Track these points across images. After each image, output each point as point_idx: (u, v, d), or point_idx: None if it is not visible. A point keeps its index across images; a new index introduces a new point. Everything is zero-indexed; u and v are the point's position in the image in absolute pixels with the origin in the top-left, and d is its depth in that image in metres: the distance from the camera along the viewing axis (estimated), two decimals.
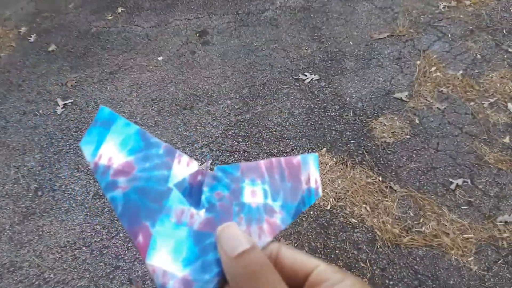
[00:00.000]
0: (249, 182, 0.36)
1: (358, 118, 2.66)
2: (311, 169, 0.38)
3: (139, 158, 0.35)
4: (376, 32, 3.29)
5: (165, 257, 0.31)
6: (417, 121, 2.58)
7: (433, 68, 2.89)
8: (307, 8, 3.66)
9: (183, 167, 0.36)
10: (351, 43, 3.24)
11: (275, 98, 2.88)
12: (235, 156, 2.56)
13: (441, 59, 2.97)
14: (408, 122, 2.59)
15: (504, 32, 3.09)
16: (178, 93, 3.03)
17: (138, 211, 0.33)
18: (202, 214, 0.34)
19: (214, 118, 2.81)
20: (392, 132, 2.54)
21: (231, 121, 2.77)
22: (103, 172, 0.34)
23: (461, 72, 2.84)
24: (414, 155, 2.41)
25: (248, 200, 0.35)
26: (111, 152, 0.35)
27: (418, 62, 2.97)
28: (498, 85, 2.71)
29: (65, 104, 3.03)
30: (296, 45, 3.30)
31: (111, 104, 3.01)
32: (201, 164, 2.38)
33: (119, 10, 3.97)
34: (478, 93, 2.68)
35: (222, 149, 2.60)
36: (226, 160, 2.55)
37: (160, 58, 3.35)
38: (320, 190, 0.36)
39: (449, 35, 3.14)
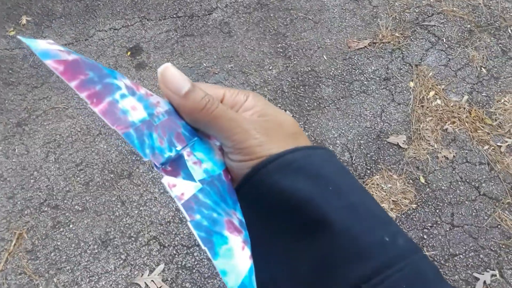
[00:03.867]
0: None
1: None
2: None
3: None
4: (354, 39, 2.52)
5: None
6: (422, 180, 1.95)
7: (431, 93, 2.21)
8: (264, 4, 2.80)
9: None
10: (324, 57, 2.47)
11: None
12: (195, 254, 1.86)
13: (439, 77, 2.27)
14: (411, 181, 1.95)
15: (510, 31, 2.40)
16: (110, 151, 2.22)
17: None
18: None
19: (162, 191, 2.06)
20: (393, 201, 1.90)
21: None
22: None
23: (466, 97, 2.17)
24: (425, 236, 1.81)
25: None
26: None
27: (412, 83, 2.27)
28: None
29: None
30: (257, 64, 2.49)
31: (22, 177, 2.18)
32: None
33: (24, 20, 2.94)
34: (491, 130, 2.05)
35: (176, 242, 1.90)
36: (184, 262, 1.85)
37: (82, 95, 2.46)
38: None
39: (444, 40, 2.43)
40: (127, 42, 2.71)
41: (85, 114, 2.39)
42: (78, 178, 2.14)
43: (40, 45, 0.30)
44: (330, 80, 2.36)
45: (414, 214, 1.87)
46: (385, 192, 1.93)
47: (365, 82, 2.32)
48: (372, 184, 1.96)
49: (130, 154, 2.19)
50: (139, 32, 2.75)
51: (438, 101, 2.17)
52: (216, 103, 0.33)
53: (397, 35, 2.49)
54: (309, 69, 2.43)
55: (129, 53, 2.65)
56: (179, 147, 0.32)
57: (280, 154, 0.32)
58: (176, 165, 0.31)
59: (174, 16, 2.82)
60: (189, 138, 0.34)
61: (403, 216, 1.87)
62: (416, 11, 2.60)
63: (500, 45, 2.35)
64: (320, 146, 0.37)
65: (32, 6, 3.03)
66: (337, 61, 2.44)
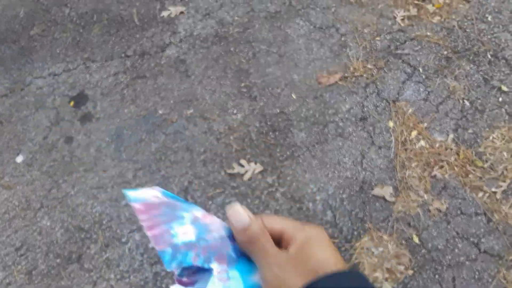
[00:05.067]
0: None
1: (333, 243, 1.71)
2: (136, 195, 0.39)
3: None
4: (324, 74, 2.25)
5: None
6: (416, 239, 1.70)
7: (414, 133, 1.98)
8: (223, 36, 2.49)
9: None
10: (293, 96, 2.19)
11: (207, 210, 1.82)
12: None
13: (420, 113, 2.04)
14: (403, 242, 1.70)
15: (489, 56, 2.20)
16: (55, 229, 1.86)
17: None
18: None
19: (119, 276, 1.72)
20: (387, 269, 1.64)
21: (146, 277, 1.70)
22: None
23: (451, 136, 1.95)
24: None
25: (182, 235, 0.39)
26: None
27: (391, 123, 2.03)
28: (505, 155, 1.87)
29: None
30: (219, 107, 2.19)
31: None
32: None
33: None
34: (483, 174, 1.83)
35: None
36: None
37: (19, 159, 2.09)
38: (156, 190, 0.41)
39: (421, 70, 2.20)
40: (69, 90, 2.34)
41: (24, 182, 2.01)
42: (19, 266, 1.77)
43: (140, 194, 0.38)
44: (302, 123, 2.08)
45: (412, 282, 1.61)
46: (377, 257, 1.67)
47: (341, 124, 2.06)
48: (361, 249, 1.69)
49: (78, 231, 1.83)
50: (83, 77, 2.39)
51: (422, 142, 1.94)
52: (266, 244, 0.40)
53: (370, 66, 2.25)
54: (278, 111, 2.15)
55: (72, 102, 2.28)
56: (212, 265, 0.38)
57: None
58: (196, 278, 0.37)
59: (123, 55, 2.47)
60: (233, 259, 0.40)
61: (400, 286, 1.61)
62: (388, 38, 2.36)
63: (481, 72, 2.15)
64: (351, 273, 0.41)
65: None
66: (307, 100, 2.17)
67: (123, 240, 1.80)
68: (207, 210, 1.85)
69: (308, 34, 2.44)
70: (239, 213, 0.41)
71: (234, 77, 2.31)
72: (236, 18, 2.58)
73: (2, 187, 2.00)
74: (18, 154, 2.11)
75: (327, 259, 0.40)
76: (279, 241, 0.42)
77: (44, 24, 2.70)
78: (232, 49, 2.43)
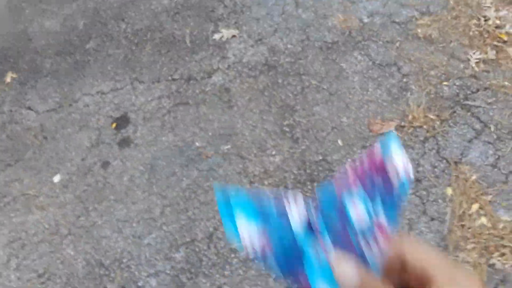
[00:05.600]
0: (348, 196, 0.35)
1: None
2: (393, 154, 0.33)
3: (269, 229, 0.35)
4: (378, 120, 2.00)
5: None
6: None
7: (475, 207, 1.68)
8: (272, 65, 2.32)
9: (294, 208, 0.36)
10: (339, 142, 1.97)
11: (225, 272, 1.69)
12: None
13: (486, 182, 1.74)
14: None
15: None
16: (77, 260, 1.82)
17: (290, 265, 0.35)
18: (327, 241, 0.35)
19: None
20: None
21: None
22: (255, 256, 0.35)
23: None
24: None
25: (354, 216, 0.34)
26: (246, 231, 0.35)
27: (450, 190, 1.74)
28: None
29: None
30: (258, 146, 2.03)
31: None
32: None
33: (9, 77, 2.59)
34: None
35: None
36: None
37: (56, 179, 2.09)
38: (410, 173, 0.33)
39: (492, 128, 1.88)
40: (113, 111, 2.30)
41: (57, 204, 2.00)
42: None
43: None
44: None
45: None
46: None
47: None
48: None
49: (98, 266, 1.78)
50: (128, 97, 2.34)
51: (483, 220, 1.64)
52: None
53: (432, 116, 1.96)
54: (320, 158, 1.94)
55: (114, 124, 2.24)
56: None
57: None
58: None
59: (169, 78, 2.39)
60: None
61: None
62: (457, 84, 2.05)
63: None
64: None
65: (20, 61, 2.68)
66: (354, 149, 1.94)
67: (139, 284, 1.71)
68: (228, 264, 1.72)
69: (365, 71, 2.19)
70: (345, 271, 0.33)
71: (277, 113, 2.13)
72: (289, 46, 2.39)
73: (36, 207, 2.01)
74: (56, 174, 2.11)
75: None
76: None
77: (100, 38, 2.70)
78: (280, 80, 2.25)
